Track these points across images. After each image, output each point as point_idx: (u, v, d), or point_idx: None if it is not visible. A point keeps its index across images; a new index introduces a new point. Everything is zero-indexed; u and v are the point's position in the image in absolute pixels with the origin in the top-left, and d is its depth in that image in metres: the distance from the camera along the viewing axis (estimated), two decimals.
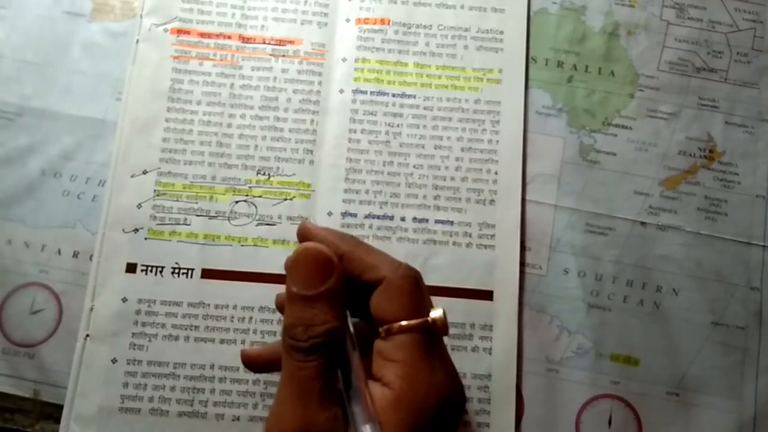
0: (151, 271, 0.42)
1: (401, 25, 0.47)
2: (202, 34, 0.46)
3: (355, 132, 0.45)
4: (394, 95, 0.46)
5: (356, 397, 0.25)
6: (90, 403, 0.40)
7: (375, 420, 0.24)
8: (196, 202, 0.43)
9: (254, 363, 0.31)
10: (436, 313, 0.27)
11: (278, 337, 0.41)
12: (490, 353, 0.42)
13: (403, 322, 0.26)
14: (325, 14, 0.47)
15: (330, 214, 0.44)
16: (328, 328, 0.25)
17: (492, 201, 0.45)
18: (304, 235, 0.28)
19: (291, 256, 0.27)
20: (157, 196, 0.43)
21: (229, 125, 0.45)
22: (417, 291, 0.27)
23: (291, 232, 0.43)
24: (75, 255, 0.43)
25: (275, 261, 0.43)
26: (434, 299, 0.43)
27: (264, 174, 0.44)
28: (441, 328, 0.27)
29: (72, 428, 0.39)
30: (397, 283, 0.27)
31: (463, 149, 0.45)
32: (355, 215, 0.44)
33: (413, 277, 0.28)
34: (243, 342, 0.41)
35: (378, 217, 0.44)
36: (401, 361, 0.25)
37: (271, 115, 0.45)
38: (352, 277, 0.27)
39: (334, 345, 0.25)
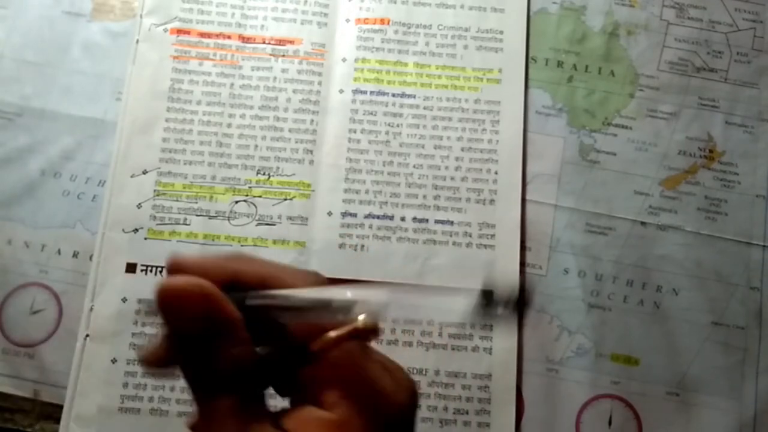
0: (151, 271, 0.42)
1: (401, 25, 0.47)
2: (202, 34, 0.46)
3: (355, 132, 0.45)
4: (394, 95, 0.46)
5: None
6: (90, 403, 0.40)
7: None
8: (196, 202, 0.43)
9: (155, 362, 0.25)
10: (362, 317, 0.23)
11: None
12: (490, 353, 0.42)
13: (331, 334, 0.22)
14: (325, 14, 0.47)
15: (330, 214, 0.44)
16: (233, 359, 0.22)
17: (492, 201, 0.45)
18: (177, 267, 0.23)
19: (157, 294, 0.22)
20: (157, 196, 0.43)
21: (229, 125, 0.45)
22: None
23: (291, 232, 0.43)
24: (75, 255, 0.43)
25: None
26: (434, 299, 0.43)
27: (264, 174, 0.44)
28: (371, 331, 0.23)
29: (72, 428, 0.39)
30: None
31: (463, 149, 0.45)
32: (355, 215, 0.44)
33: (324, 282, 0.24)
34: None
35: (378, 217, 0.44)
36: (337, 381, 0.22)
37: (271, 115, 0.45)
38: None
39: (247, 374, 0.22)
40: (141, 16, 0.46)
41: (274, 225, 0.43)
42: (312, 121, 0.45)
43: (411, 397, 0.24)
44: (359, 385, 0.23)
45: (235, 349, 0.22)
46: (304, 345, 0.23)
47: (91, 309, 0.41)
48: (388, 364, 0.24)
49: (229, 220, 0.43)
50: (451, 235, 0.44)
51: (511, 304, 0.22)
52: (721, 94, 0.48)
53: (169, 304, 0.21)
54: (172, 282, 0.21)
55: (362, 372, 0.23)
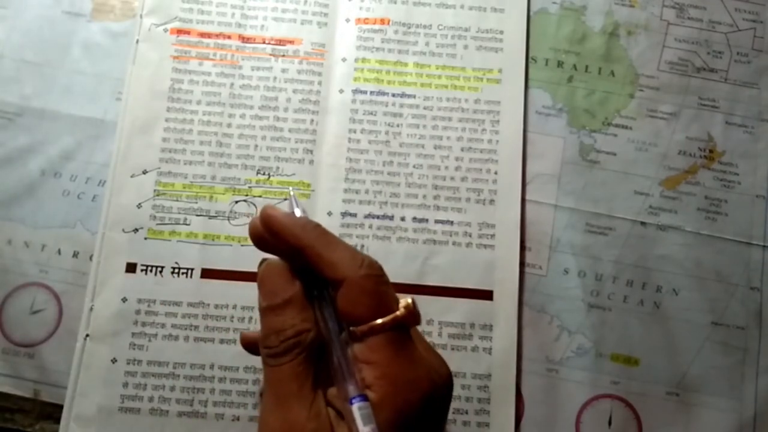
0: (150, 271, 0.42)
1: (401, 25, 0.47)
2: (202, 34, 0.46)
3: (354, 132, 0.45)
4: (393, 95, 0.46)
5: (345, 378, 0.25)
6: (90, 403, 0.40)
7: (365, 396, 0.24)
8: (196, 202, 0.43)
9: (253, 345, 0.31)
10: (404, 305, 0.26)
11: None
12: (490, 353, 0.42)
13: (372, 323, 0.25)
14: (325, 14, 0.47)
15: (330, 213, 0.44)
16: (298, 330, 0.26)
17: (492, 201, 0.45)
18: (267, 222, 0.27)
19: (258, 271, 0.28)
20: (157, 196, 0.43)
21: (229, 125, 0.45)
22: (380, 288, 0.26)
23: None
24: (75, 255, 0.43)
25: None
26: (434, 299, 0.43)
27: (264, 174, 0.44)
28: (411, 318, 0.26)
29: (72, 428, 0.39)
30: (359, 284, 0.26)
31: (463, 149, 0.45)
32: (355, 215, 0.44)
33: (374, 275, 0.27)
34: None
35: (378, 217, 0.44)
36: (377, 362, 0.25)
37: (270, 115, 0.45)
38: (317, 273, 0.27)
39: (307, 346, 0.26)
40: (141, 16, 0.46)
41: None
42: (312, 121, 0.45)
43: (446, 384, 0.27)
44: (397, 368, 0.25)
45: (302, 322, 0.26)
46: (351, 326, 0.26)
47: (91, 309, 0.41)
48: (427, 352, 0.27)
49: (229, 220, 0.43)
50: (451, 235, 0.44)
51: None
52: (721, 94, 0.48)
53: (267, 277, 0.27)
54: (270, 263, 0.27)
55: (400, 356, 0.25)
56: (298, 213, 0.29)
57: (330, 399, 0.26)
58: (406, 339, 0.26)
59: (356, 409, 0.24)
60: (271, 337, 0.26)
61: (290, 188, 0.44)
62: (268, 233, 0.27)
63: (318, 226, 0.28)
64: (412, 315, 0.26)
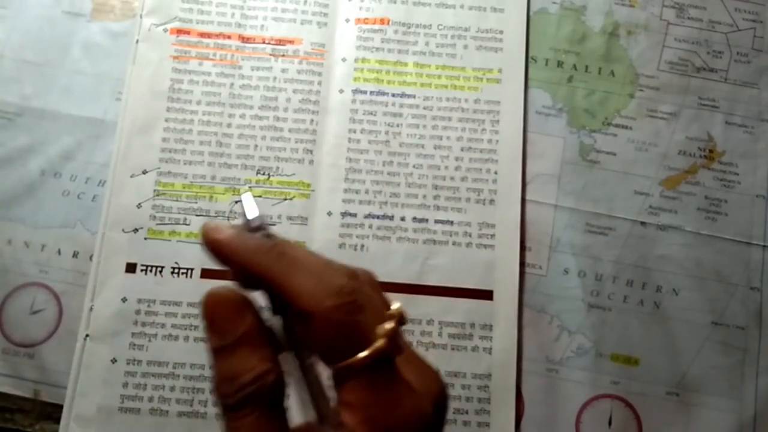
0: (150, 271, 0.42)
1: (401, 25, 0.47)
2: (202, 34, 0.46)
3: (354, 132, 0.45)
4: (393, 95, 0.46)
5: (321, 420, 0.22)
6: (90, 403, 0.40)
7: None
8: (196, 202, 0.43)
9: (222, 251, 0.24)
10: (384, 333, 0.22)
11: None
12: (490, 353, 0.42)
13: (350, 361, 0.22)
14: (325, 14, 0.47)
15: (330, 213, 0.44)
16: (255, 374, 0.22)
17: (492, 201, 0.45)
18: (212, 247, 0.23)
19: (201, 303, 0.23)
20: (157, 196, 0.43)
21: (229, 125, 0.45)
22: (353, 318, 0.22)
23: (291, 232, 0.43)
24: (75, 255, 0.43)
25: None
26: (434, 299, 0.43)
27: (264, 174, 0.44)
28: (394, 349, 0.22)
29: (72, 428, 0.39)
30: (326, 318, 0.22)
31: (462, 149, 0.45)
32: (354, 215, 0.44)
33: (345, 304, 0.22)
34: None
35: (378, 217, 0.44)
36: (358, 405, 0.22)
37: (270, 115, 0.45)
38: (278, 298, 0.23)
39: (269, 390, 0.22)
40: (141, 16, 0.46)
41: (273, 225, 0.43)
42: (312, 121, 0.45)
43: (438, 405, 0.24)
44: (379, 410, 0.22)
45: (260, 363, 0.22)
46: (327, 364, 0.22)
47: (91, 309, 0.41)
48: (412, 378, 0.23)
49: (229, 220, 0.43)
50: (451, 235, 0.44)
51: None
52: (721, 94, 0.48)
53: (211, 310, 0.23)
54: (213, 291, 0.23)
55: (382, 395, 0.22)
56: (253, 221, 0.24)
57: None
58: (389, 373, 0.22)
59: None
60: (224, 385, 0.22)
61: (247, 190, 0.42)
62: (217, 260, 0.23)
63: (275, 245, 0.23)
64: (394, 345, 0.22)
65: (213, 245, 0.23)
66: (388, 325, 0.22)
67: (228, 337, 0.22)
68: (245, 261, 0.23)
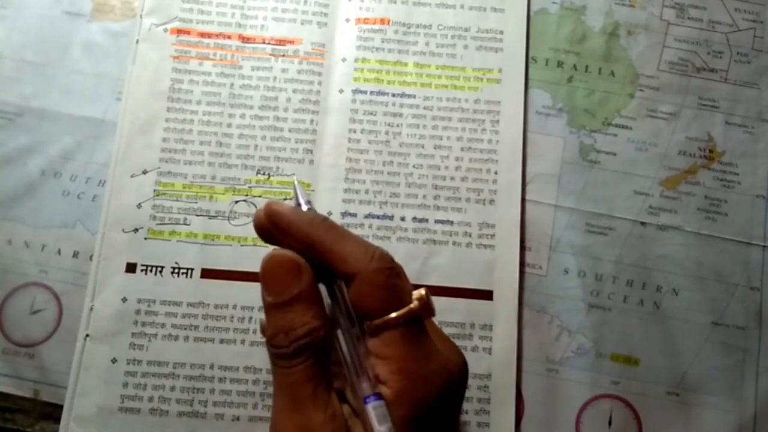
0: (150, 271, 0.42)
1: (401, 25, 0.47)
2: (202, 34, 0.46)
3: (354, 132, 0.45)
4: (393, 95, 0.46)
5: (358, 375, 0.25)
6: (90, 403, 0.40)
7: (379, 395, 0.24)
8: (196, 202, 0.43)
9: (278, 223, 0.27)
10: (417, 297, 0.26)
11: None
12: (490, 353, 0.42)
13: (386, 317, 0.25)
14: (325, 14, 0.47)
15: (330, 213, 0.44)
16: (308, 328, 0.25)
17: (492, 201, 0.45)
18: (273, 218, 0.26)
19: (261, 264, 0.26)
20: (157, 196, 0.43)
21: (229, 125, 0.45)
22: (392, 281, 0.26)
23: None
24: (75, 255, 0.43)
25: None
26: (434, 299, 0.43)
27: (264, 174, 0.44)
28: (425, 310, 0.26)
29: (72, 428, 0.39)
30: (370, 278, 0.25)
31: (462, 149, 0.45)
32: (354, 215, 0.44)
33: (386, 268, 0.26)
34: (243, 342, 0.41)
35: (378, 217, 0.44)
36: (392, 357, 0.25)
37: (270, 115, 0.45)
38: (326, 267, 0.26)
39: (319, 344, 0.25)
40: (141, 16, 0.46)
41: None
42: (312, 121, 0.45)
43: (462, 373, 0.27)
44: (412, 363, 0.25)
45: (313, 319, 0.25)
46: (364, 321, 0.26)
47: (91, 309, 0.41)
48: (442, 343, 0.27)
49: (229, 220, 0.43)
50: (451, 235, 0.44)
51: None
52: (721, 94, 0.48)
53: (272, 270, 0.26)
54: (275, 253, 0.26)
55: (415, 350, 0.25)
56: (303, 206, 0.28)
57: (343, 393, 0.25)
58: (421, 332, 0.26)
59: (371, 408, 0.24)
60: (279, 337, 0.25)
61: (294, 178, 0.44)
62: (275, 230, 0.26)
63: (325, 219, 0.27)
64: (426, 307, 0.26)
65: (275, 216, 0.26)
66: (422, 291, 0.26)
67: (286, 294, 0.25)
68: (302, 230, 0.26)
